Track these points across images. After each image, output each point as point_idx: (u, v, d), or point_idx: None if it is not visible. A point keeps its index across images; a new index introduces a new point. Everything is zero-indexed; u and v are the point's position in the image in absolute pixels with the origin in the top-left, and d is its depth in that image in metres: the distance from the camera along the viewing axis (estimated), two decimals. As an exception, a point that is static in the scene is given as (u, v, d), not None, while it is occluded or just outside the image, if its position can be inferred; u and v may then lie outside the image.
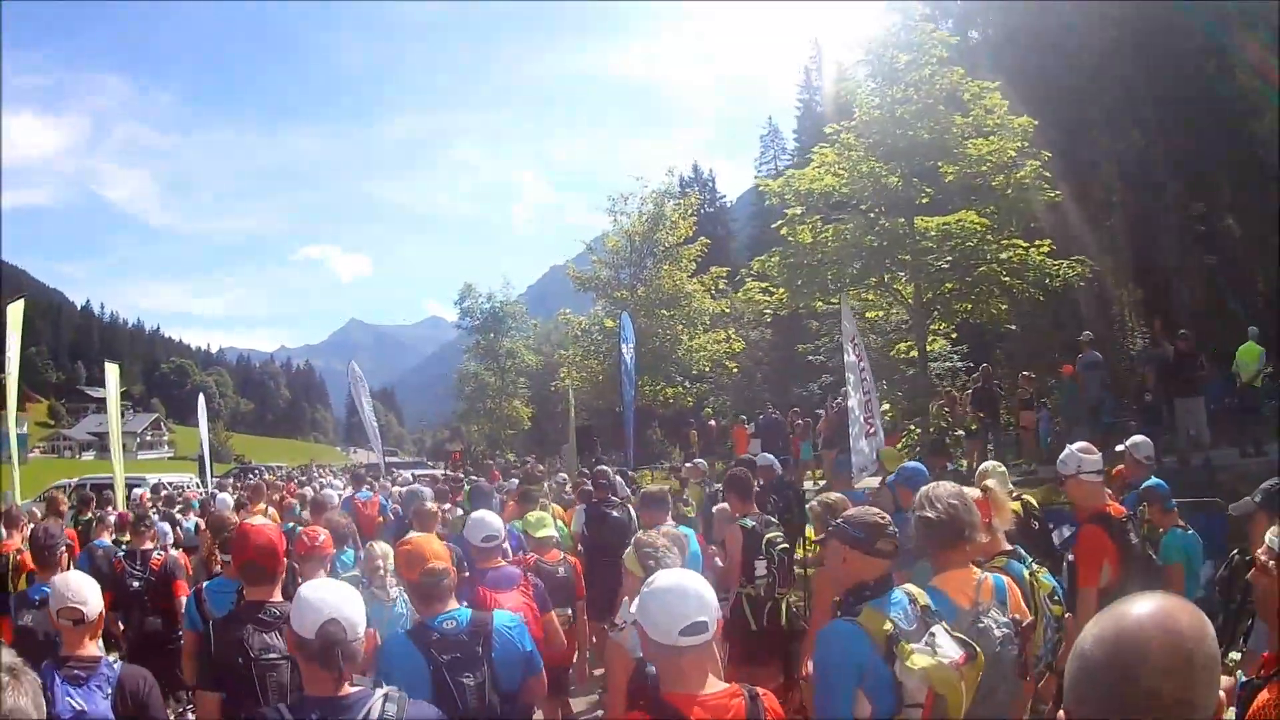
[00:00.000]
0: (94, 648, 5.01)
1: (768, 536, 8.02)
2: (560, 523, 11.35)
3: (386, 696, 3.51)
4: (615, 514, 11.38)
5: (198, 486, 29.88)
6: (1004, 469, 8.73)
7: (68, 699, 4.64)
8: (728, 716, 3.33)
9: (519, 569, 7.04)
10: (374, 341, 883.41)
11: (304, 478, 36.70)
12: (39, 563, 7.48)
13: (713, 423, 35.01)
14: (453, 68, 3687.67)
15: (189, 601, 6.92)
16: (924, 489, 4.78)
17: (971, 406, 23.57)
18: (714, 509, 10.40)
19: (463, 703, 4.58)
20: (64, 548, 7.81)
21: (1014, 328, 25.10)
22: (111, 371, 24.68)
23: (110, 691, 4.77)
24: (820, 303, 24.33)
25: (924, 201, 22.13)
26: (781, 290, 23.76)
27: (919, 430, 23.18)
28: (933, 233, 21.54)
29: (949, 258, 21.62)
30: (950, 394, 25.92)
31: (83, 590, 5.02)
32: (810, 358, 40.09)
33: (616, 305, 37.35)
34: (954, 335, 25.26)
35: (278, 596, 5.19)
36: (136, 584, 9.35)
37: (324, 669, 3.49)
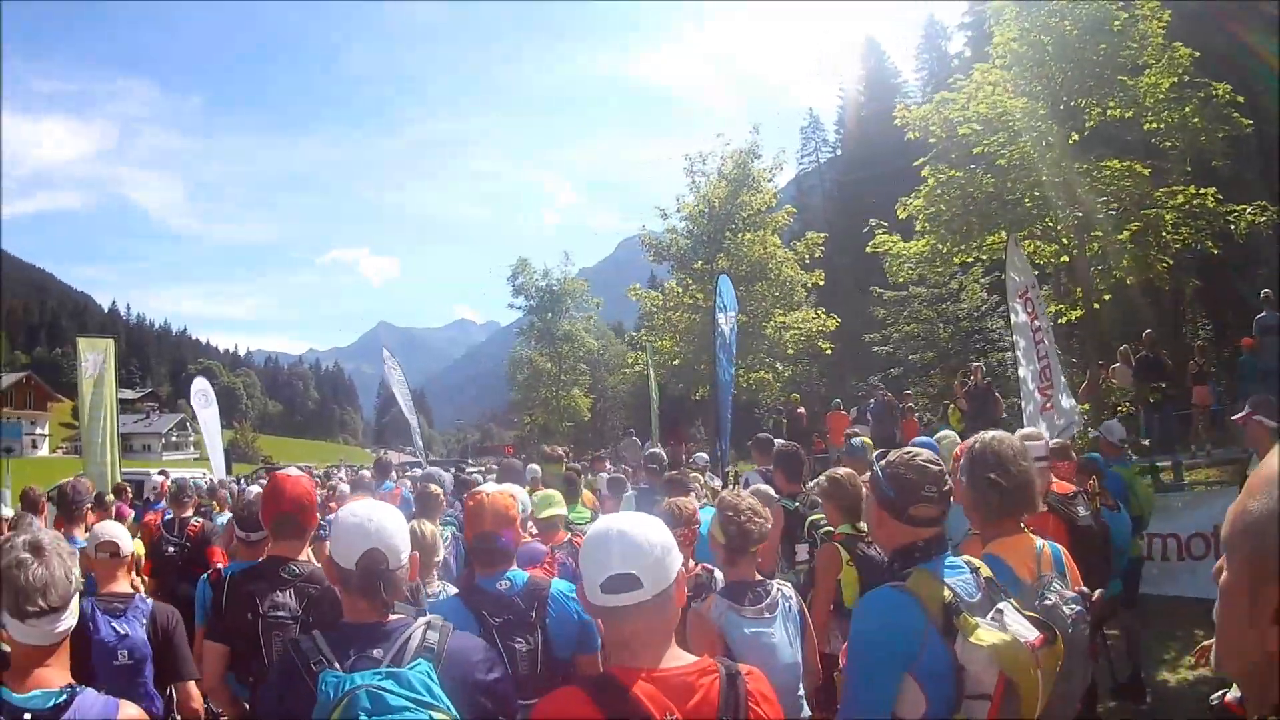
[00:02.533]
0: (127, 584, 5.72)
1: (811, 518, 7.71)
2: (584, 507, 11.09)
3: (429, 624, 3.28)
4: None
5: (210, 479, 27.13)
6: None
7: (111, 626, 5.33)
8: (693, 699, 2.67)
9: (545, 546, 7.18)
10: (402, 344, 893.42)
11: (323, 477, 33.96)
12: (66, 516, 8.30)
13: (801, 410, 31.64)
14: (476, 73, 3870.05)
15: (202, 581, 6.60)
16: (986, 445, 4.16)
17: (1136, 378, 21.23)
18: (749, 489, 8.93)
19: (513, 667, 4.33)
20: (89, 503, 9.16)
21: (1199, 282, 21.84)
22: (88, 348, 20.87)
23: (145, 622, 5.47)
24: (966, 255, 21.87)
25: (1076, 141, 19.80)
26: (924, 240, 21.24)
27: (1088, 406, 19.63)
28: (1104, 174, 19.15)
29: (1114, 204, 19.42)
30: (1124, 355, 22.33)
31: (118, 530, 5.82)
32: (876, 348, 38.36)
33: (695, 278, 35.28)
34: (1107, 297, 21.86)
35: (304, 556, 5.18)
36: (172, 549, 9.94)
37: (365, 599, 3.28)
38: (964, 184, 19.66)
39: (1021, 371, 14.87)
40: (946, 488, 3.56)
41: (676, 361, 35.21)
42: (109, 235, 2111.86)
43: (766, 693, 2.85)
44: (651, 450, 13.94)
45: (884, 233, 22.59)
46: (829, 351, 35.97)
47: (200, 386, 30.53)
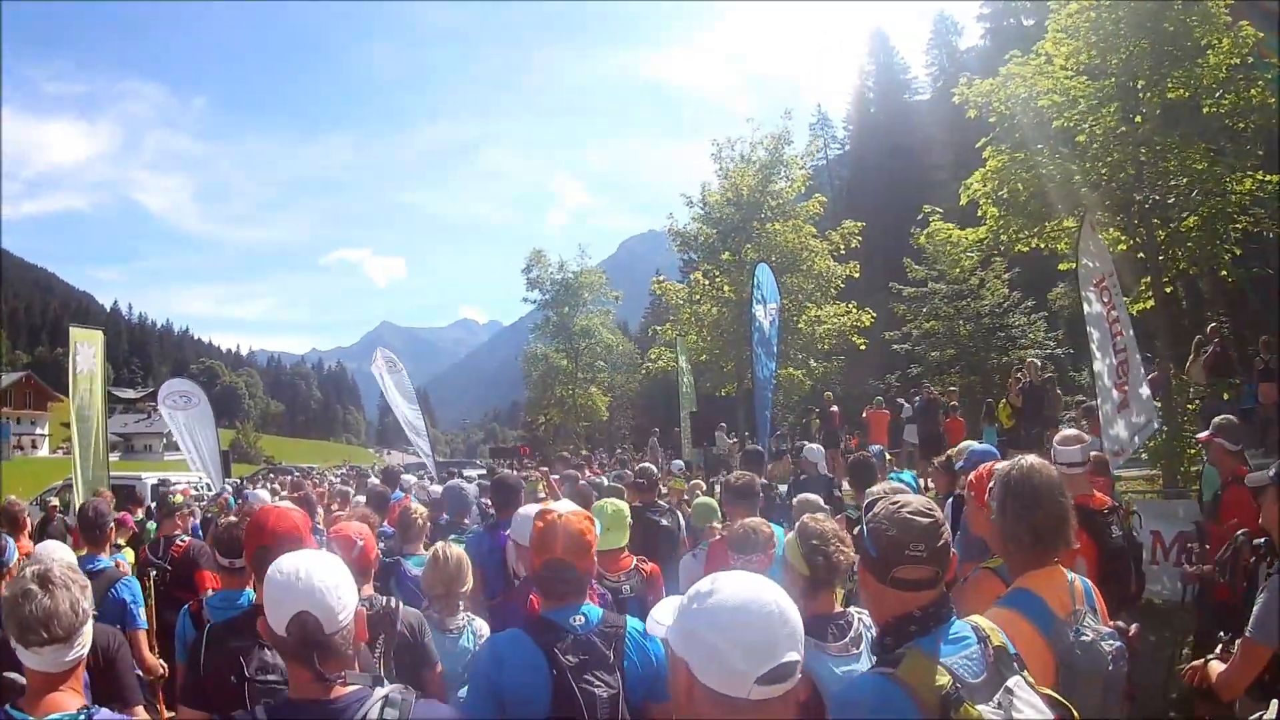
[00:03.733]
0: None
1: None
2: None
3: (387, 699, 2.98)
4: (664, 522, 10.12)
5: (206, 486, 26.29)
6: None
7: None
8: None
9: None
10: (406, 344, 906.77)
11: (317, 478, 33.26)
12: (90, 540, 8.13)
13: (835, 408, 30.62)
14: (484, 74, 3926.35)
15: (183, 613, 6.12)
16: (1024, 475, 3.96)
17: (1206, 375, 20.50)
18: (795, 499, 8.95)
19: (590, 714, 3.83)
20: (112, 524, 8.79)
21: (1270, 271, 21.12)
22: (82, 339, 19.12)
23: None
24: (1027, 244, 20.76)
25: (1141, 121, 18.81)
26: (987, 226, 20.53)
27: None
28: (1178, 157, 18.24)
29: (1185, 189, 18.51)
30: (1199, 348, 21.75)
31: (60, 552, 5.85)
32: (895, 346, 37.67)
33: (722, 270, 34.54)
34: (1169, 290, 21.07)
35: None
36: (154, 571, 9.21)
37: (302, 668, 2.98)
38: (1041, 161, 18.76)
39: (1096, 366, 13.96)
40: (940, 543, 3.07)
41: (704, 357, 34.33)
42: (116, 237, 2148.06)
43: None
44: (642, 465, 12.76)
45: (938, 219, 21.68)
46: (863, 347, 34.85)
47: (177, 388, 27.99)
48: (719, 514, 9.14)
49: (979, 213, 20.40)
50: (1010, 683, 2.92)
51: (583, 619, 4.12)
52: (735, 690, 2.21)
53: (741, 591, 2.30)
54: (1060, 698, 3.04)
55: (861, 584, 3.26)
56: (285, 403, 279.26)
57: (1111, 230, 18.81)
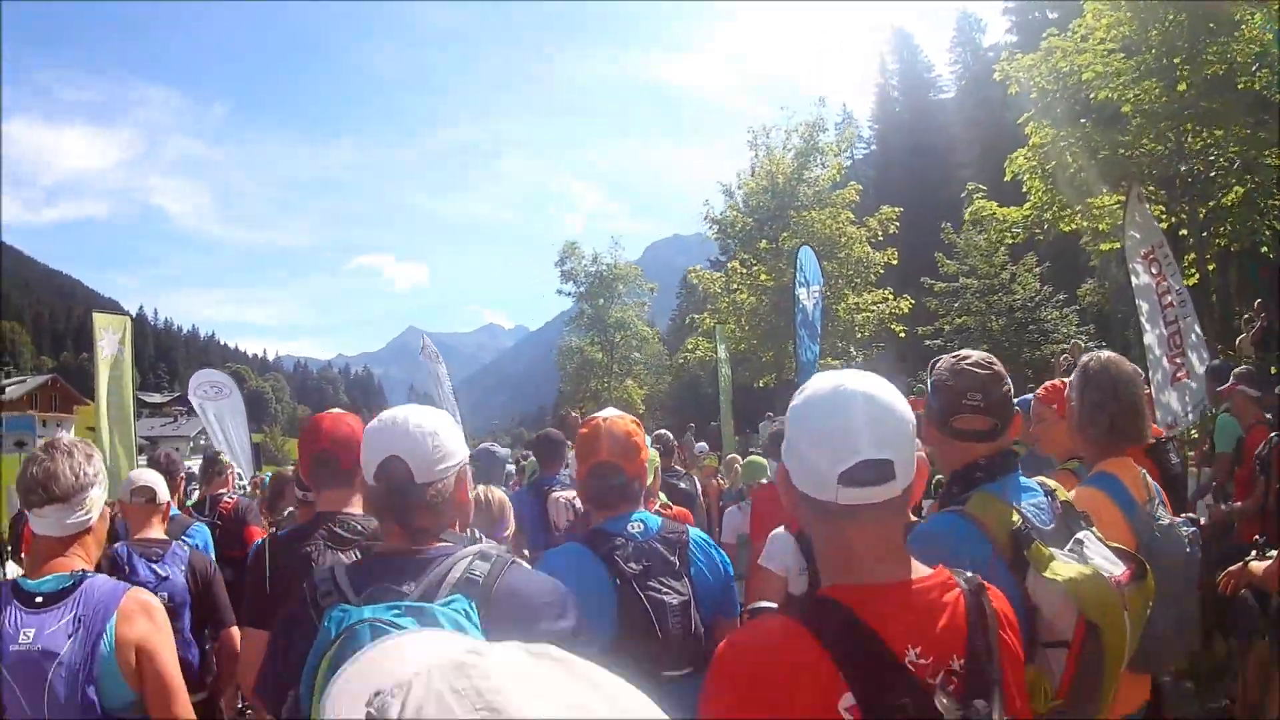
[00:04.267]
0: (161, 532, 5.80)
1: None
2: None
3: (480, 554, 2.70)
4: (682, 485, 9.89)
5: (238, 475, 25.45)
6: None
7: (150, 568, 5.32)
8: (938, 622, 2.06)
9: None
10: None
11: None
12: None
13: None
14: (501, 77, 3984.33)
15: (254, 548, 5.31)
16: (1102, 365, 4.01)
17: (1254, 350, 20.11)
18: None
19: (661, 624, 3.64)
20: (183, 475, 9.11)
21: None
22: (105, 324, 17.74)
23: (184, 568, 5.49)
24: (1070, 222, 20.88)
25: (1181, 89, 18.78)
26: (1031, 203, 20.71)
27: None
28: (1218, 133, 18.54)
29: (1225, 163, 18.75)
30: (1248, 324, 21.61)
31: (153, 476, 5.91)
32: (928, 342, 36.26)
33: (759, 258, 34.66)
34: (1211, 268, 21.57)
35: (357, 508, 4.08)
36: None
37: (394, 522, 2.76)
38: (1086, 134, 18.82)
39: (1146, 338, 13.77)
40: (998, 396, 3.09)
41: (742, 346, 34.09)
42: (136, 242, 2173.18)
43: (1010, 615, 2.25)
44: (658, 431, 12.04)
45: (982, 198, 21.73)
46: (902, 335, 34.62)
47: (207, 378, 26.88)
48: (768, 470, 9.35)
49: (1024, 188, 20.55)
50: (1081, 534, 2.92)
51: (640, 525, 3.95)
52: (822, 492, 2.06)
53: (830, 379, 2.15)
54: (1131, 552, 3.01)
55: (926, 440, 3.20)
56: (312, 407, 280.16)
57: (1153, 206, 18.90)
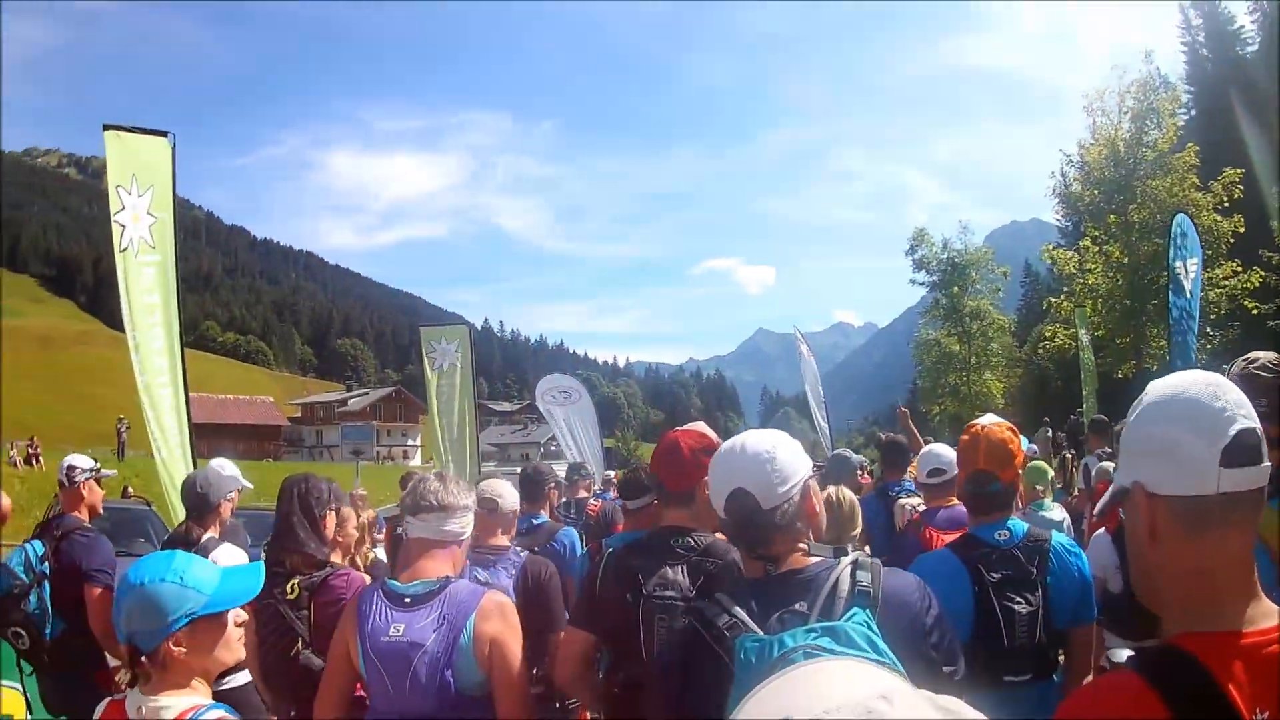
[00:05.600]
0: (505, 539, 6.03)
1: None
2: None
3: (856, 563, 2.87)
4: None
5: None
6: None
7: (474, 575, 5.31)
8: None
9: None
10: (782, 350, 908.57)
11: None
12: (529, 499, 8.28)
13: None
14: (822, 77, 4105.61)
15: (582, 555, 7.39)
16: None
17: None
18: (1095, 468, 9.49)
19: (1008, 633, 4.09)
20: (553, 484, 9.36)
21: None
22: (433, 337, 19.16)
23: (515, 573, 5.72)
24: None
25: None
26: None
27: None
28: None
29: None
30: None
31: (502, 488, 6.10)
32: (1270, 323, 34.00)
33: (1110, 235, 33.89)
34: None
35: (698, 525, 4.41)
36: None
37: (745, 548, 3.05)
38: None
39: None
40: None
41: (1099, 333, 33.38)
42: (477, 260, 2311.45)
43: None
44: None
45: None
46: (1256, 312, 32.93)
47: (556, 384, 28.65)
48: (1048, 476, 9.55)
49: None
50: None
51: (1007, 533, 4.34)
52: (1203, 485, 1.95)
53: (1172, 379, 2.12)
54: None
55: None
56: (665, 411, 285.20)
57: None
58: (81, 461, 7.66)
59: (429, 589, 4.04)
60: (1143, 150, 33.32)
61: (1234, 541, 1.98)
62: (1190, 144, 33.45)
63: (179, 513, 8.50)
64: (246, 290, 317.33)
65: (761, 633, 2.65)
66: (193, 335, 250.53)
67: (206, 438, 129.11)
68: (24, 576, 6.94)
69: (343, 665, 4.19)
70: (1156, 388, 2.11)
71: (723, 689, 2.58)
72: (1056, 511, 9.03)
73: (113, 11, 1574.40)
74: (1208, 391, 1.99)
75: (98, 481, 7.71)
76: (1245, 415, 1.96)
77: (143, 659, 3.06)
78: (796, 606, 2.72)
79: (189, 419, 10.24)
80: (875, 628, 2.58)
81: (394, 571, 4.70)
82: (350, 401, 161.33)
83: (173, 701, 3.01)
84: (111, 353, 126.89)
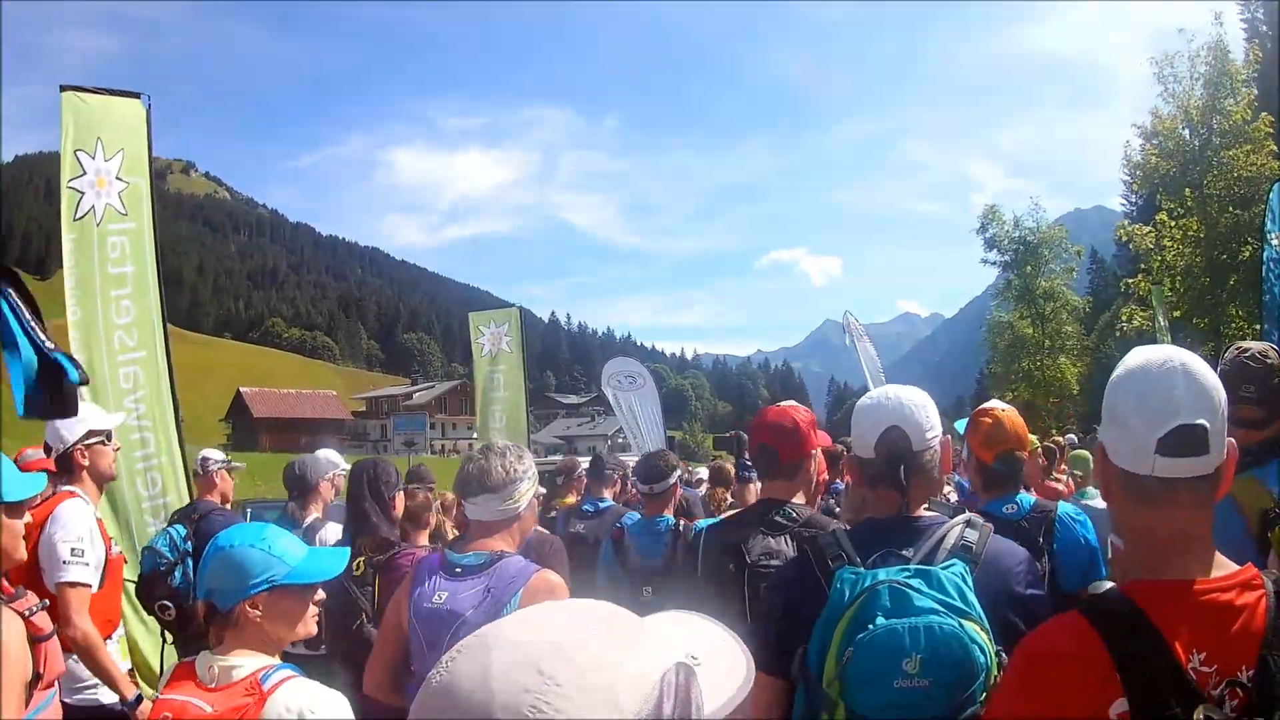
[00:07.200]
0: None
1: None
2: None
3: (969, 522, 3.12)
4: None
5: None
6: None
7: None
8: (1232, 626, 2.03)
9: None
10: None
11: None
12: (594, 481, 9.19)
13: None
14: (887, 67, 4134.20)
15: (605, 543, 7.80)
16: None
17: None
18: None
19: None
20: (618, 476, 9.90)
21: None
22: (482, 321, 19.69)
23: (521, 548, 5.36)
24: None
25: None
26: None
27: None
28: None
29: None
30: None
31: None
32: None
33: (1186, 209, 32.81)
34: None
35: (801, 498, 4.58)
36: (582, 527, 9.42)
37: (889, 488, 3.19)
38: None
39: None
40: (1271, 389, 3.50)
41: (1176, 314, 32.71)
42: (546, 255, 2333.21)
43: None
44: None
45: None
46: None
47: (621, 368, 28.45)
48: (1089, 465, 9.65)
49: None
50: None
51: (1014, 506, 4.65)
52: (1139, 465, 2.15)
53: (1146, 350, 2.28)
54: None
55: None
56: (732, 403, 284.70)
57: None
58: (214, 454, 8.49)
59: (480, 561, 4.13)
60: (1217, 118, 32.41)
61: (1180, 517, 2.14)
62: (1265, 114, 32.46)
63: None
64: (312, 286, 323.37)
65: (863, 568, 2.89)
66: (258, 331, 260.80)
67: (270, 431, 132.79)
68: (169, 555, 7.51)
69: (394, 634, 4.30)
70: (1133, 357, 2.26)
71: (817, 613, 2.87)
72: (1099, 500, 8.89)
73: (173, 19, 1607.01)
74: (1166, 379, 2.12)
75: (229, 471, 8.46)
76: (1198, 408, 2.08)
77: (216, 616, 3.26)
78: (903, 552, 2.94)
79: (174, 396, 9.76)
80: (969, 581, 2.78)
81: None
82: (415, 395, 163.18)
83: (244, 661, 3.15)
84: None
